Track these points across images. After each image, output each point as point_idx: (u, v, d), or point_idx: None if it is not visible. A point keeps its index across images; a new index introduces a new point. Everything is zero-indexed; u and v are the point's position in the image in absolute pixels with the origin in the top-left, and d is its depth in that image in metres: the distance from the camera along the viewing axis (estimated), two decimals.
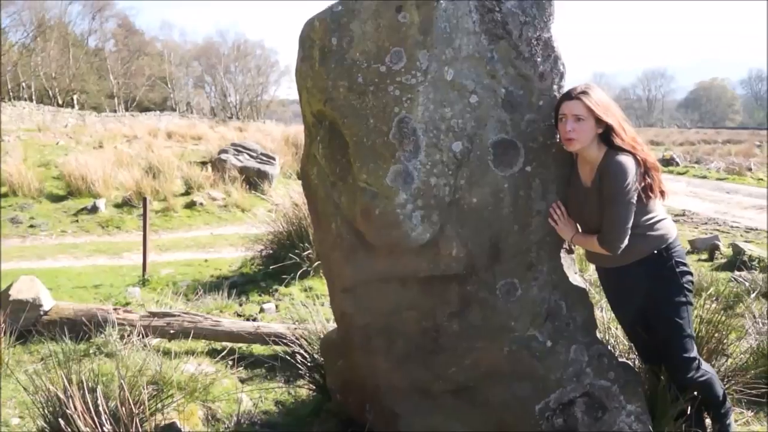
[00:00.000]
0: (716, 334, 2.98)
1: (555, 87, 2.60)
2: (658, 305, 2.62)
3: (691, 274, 2.65)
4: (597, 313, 3.25)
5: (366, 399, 2.97)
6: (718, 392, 2.69)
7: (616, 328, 3.29)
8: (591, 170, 2.57)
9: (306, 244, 6.12)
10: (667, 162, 21.56)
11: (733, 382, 2.96)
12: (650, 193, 2.54)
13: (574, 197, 2.64)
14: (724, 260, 6.72)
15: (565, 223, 2.62)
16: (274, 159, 13.89)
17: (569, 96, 2.50)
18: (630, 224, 2.45)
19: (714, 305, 3.53)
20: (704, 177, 18.03)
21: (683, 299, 2.60)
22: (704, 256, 7.08)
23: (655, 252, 2.58)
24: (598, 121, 2.48)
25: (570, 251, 2.79)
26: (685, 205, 11.96)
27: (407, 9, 2.47)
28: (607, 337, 3.18)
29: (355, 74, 2.52)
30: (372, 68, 2.50)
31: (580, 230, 2.65)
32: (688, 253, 7.31)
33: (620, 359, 2.82)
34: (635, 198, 2.46)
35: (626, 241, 2.46)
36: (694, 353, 2.64)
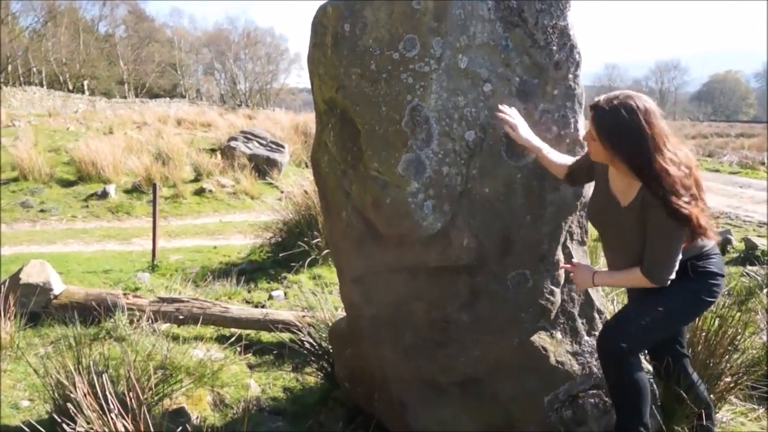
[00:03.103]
0: (729, 330, 2.95)
1: (570, 76, 2.56)
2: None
3: (714, 291, 2.34)
4: (608, 306, 3.23)
5: (374, 389, 2.97)
6: (637, 401, 2.33)
7: None
8: (626, 189, 2.28)
9: (315, 232, 6.11)
10: None
11: (745, 377, 2.93)
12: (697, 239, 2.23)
13: (601, 207, 2.41)
14: (736, 255, 6.65)
15: (581, 270, 2.46)
16: (283, 147, 13.87)
17: (591, 106, 2.28)
18: (679, 256, 2.22)
19: (726, 300, 3.50)
20: (717, 171, 17.83)
21: (682, 298, 2.31)
22: None
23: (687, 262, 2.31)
24: None
25: (582, 243, 2.77)
26: None
27: None
28: None
29: (367, 61, 2.49)
30: (385, 55, 2.47)
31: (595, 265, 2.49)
32: None
33: None
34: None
35: (674, 274, 2.23)
36: (630, 342, 2.29)
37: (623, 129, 2.14)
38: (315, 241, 5.99)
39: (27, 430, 2.82)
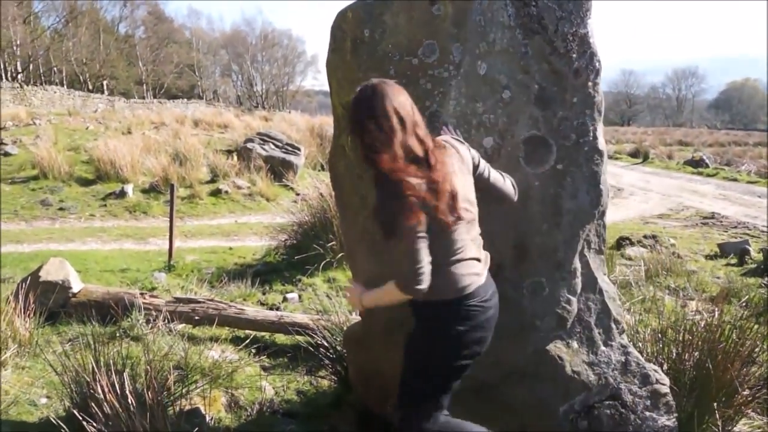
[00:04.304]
0: (747, 342, 2.91)
1: (590, 84, 2.56)
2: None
3: (456, 346, 2.09)
4: (625, 316, 3.20)
5: (386, 393, 2.96)
6: None
7: (645, 332, 3.24)
8: None
9: (330, 235, 6.13)
10: (697, 163, 21.14)
11: (763, 391, 2.89)
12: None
13: None
14: (754, 265, 6.57)
15: (352, 291, 2.30)
16: (299, 149, 13.93)
17: None
18: (424, 254, 1.94)
19: (744, 312, 3.46)
20: (734, 180, 17.62)
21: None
22: (734, 261, 6.93)
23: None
24: None
25: (600, 252, 2.75)
26: (715, 208, 11.73)
27: (441, 1, 2.45)
28: (635, 341, 3.13)
29: (386, 66, 2.50)
30: (404, 61, 2.48)
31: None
32: (716, 256, 7.17)
33: (648, 364, 2.76)
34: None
35: (424, 283, 1.94)
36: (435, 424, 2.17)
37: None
38: (330, 244, 6.01)
39: (44, 427, 2.86)
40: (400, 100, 1.99)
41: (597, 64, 2.56)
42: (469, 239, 2.11)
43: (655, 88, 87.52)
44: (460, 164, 2.11)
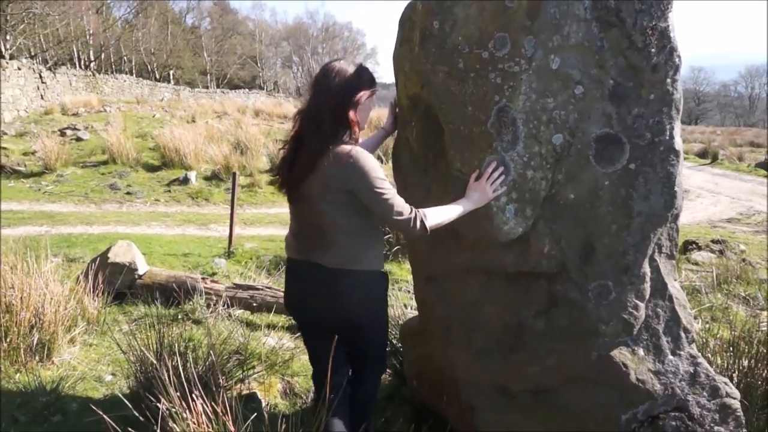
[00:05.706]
0: None
1: (668, 80, 2.43)
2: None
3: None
4: (695, 324, 3.06)
5: (442, 389, 2.94)
6: None
7: (715, 342, 3.09)
8: None
9: (386, 229, 6.12)
10: None
11: None
12: None
13: None
14: None
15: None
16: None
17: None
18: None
19: None
20: None
21: None
22: None
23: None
24: None
25: (671, 256, 2.63)
26: None
27: None
28: (703, 351, 2.99)
29: (455, 59, 2.45)
30: (474, 54, 2.42)
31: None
32: None
33: (718, 376, 2.63)
34: None
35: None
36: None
37: None
38: (386, 237, 6.01)
39: (109, 403, 2.96)
40: None
41: (677, 59, 2.44)
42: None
43: (726, 86, 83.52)
44: None
